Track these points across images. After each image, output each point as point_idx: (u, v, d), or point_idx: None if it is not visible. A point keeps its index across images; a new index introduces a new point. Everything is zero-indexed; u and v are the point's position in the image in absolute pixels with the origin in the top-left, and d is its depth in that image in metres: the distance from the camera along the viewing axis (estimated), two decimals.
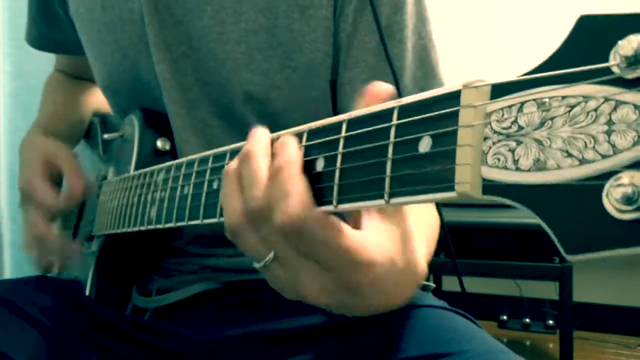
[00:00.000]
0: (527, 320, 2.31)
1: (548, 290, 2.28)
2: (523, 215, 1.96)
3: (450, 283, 2.23)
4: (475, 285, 2.42)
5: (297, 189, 0.34)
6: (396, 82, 0.60)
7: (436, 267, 1.99)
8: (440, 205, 0.60)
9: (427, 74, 0.64)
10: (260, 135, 0.38)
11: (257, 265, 0.38)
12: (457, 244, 2.08)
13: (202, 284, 0.68)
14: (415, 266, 0.37)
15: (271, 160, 0.37)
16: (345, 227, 0.34)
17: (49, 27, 0.85)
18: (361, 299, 0.36)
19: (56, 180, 0.78)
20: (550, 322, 2.28)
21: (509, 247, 2.02)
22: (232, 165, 0.39)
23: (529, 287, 2.38)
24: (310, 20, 0.62)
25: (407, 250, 0.37)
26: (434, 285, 0.75)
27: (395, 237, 0.36)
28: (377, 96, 0.34)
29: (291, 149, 0.35)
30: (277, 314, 0.63)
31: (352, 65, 0.63)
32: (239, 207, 0.37)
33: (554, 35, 0.23)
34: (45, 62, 0.99)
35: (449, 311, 0.63)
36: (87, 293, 0.70)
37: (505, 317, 2.37)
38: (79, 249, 0.76)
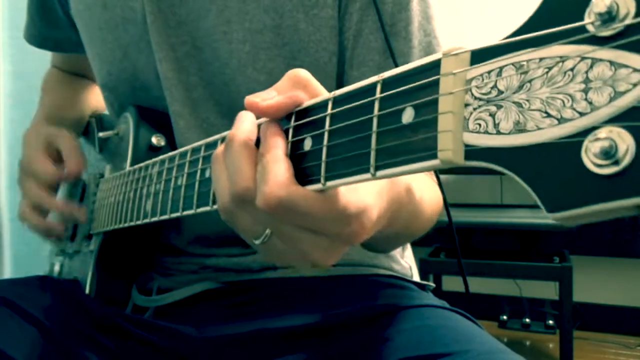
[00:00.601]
0: (527, 320, 2.31)
1: (548, 290, 2.28)
2: (523, 215, 1.97)
3: (450, 283, 2.22)
4: (476, 285, 2.42)
5: (278, 171, 0.35)
6: None
7: (436, 267, 1.99)
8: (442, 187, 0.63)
9: None
10: (244, 120, 0.39)
11: (257, 242, 0.40)
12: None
13: (203, 283, 0.68)
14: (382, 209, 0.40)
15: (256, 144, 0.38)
16: (327, 194, 0.35)
17: (48, 25, 0.86)
18: (357, 241, 0.39)
19: (56, 160, 0.78)
20: (550, 322, 2.27)
21: (509, 247, 2.02)
22: (219, 150, 0.40)
23: (529, 287, 2.37)
24: (315, 19, 0.62)
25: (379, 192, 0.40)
26: (433, 285, 0.75)
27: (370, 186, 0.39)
28: None
29: (275, 133, 0.37)
30: (277, 313, 0.63)
31: (358, 64, 0.63)
32: (227, 191, 0.39)
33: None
34: (46, 61, 1.00)
35: (449, 311, 0.62)
36: (86, 292, 0.70)
37: (505, 317, 2.37)
38: (85, 211, 0.76)
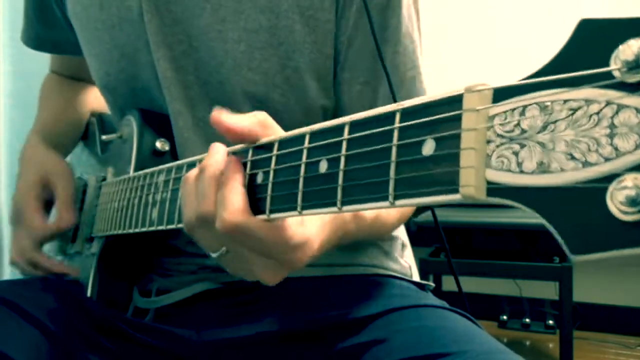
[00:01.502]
0: (527, 320, 2.31)
1: (548, 290, 2.29)
2: (523, 215, 1.97)
3: (450, 283, 2.23)
4: (475, 285, 2.43)
5: (235, 200, 0.41)
6: (389, 83, 0.62)
7: (436, 267, 1.99)
8: None
9: (416, 76, 0.67)
10: (216, 151, 0.45)
11: (214, 255, 0.45)
12: (457, 244, 2.08)
13: (202, 284, 0.68)
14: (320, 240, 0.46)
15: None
16: (276, 224, 0.41)
17: (45, 27, 0.85)
18: (299, 267, 0.44)
19: (49, 200, 0.80)
20: (550, 322, 2.28)
21: (509, 247, 2.03)
22: (191, 174, 0.46)
23: (529, 287, 2.38)
24: (311, 21, 0.62)
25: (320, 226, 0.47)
26: (433, 285, 0.75)
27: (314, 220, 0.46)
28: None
29: (236, 167, 0.43)
30: (276, 313, 0.63)
31: (350, 67, 0.64)
32: (193, 211, 0.44)
33: (555, 39, 0.23)
34: (46, 62, 0.99)
35: (449, 311, 0.63)
36: (88, 294, 0.70)
37: (505, 317, 2.38)
38: (76, 270, 0.77)
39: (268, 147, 0.42)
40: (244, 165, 0.44)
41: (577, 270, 1.88)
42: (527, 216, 1.99)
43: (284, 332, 0.61)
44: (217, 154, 0.45)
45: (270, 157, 0.41)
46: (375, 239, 0.71)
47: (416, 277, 0.77)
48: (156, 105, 0.70)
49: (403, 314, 0.60)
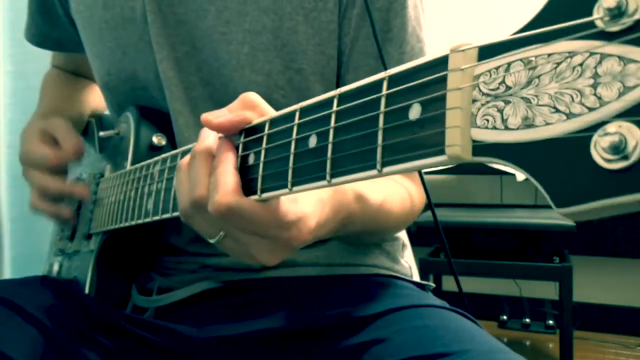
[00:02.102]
0: (527, 320, 2.31)
1: (548, 290, 2.28)
2: (523, 215, 1.97)
3: (450, 283, 2.22)
4: (476, 285, 2.42)
5: (227, 181, 0.41)
6: None
7: (436, 267, 1.99)
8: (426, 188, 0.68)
9: None
10: (206, 136, 0.46)
11: (212, 241, 0.45)
12: (457, 244, 2.08)
13: (203, 283, 0.68)
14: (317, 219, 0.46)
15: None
16: (269, 203, 0.41)
17: (48, 24, 0.85)
18: (297, 245, 0.45)
19: (53, 146, 0.77)
20: (550, 322, 2.28)
21: (509, 247, 2.03)
22: (184, 161, 0.46)
23: (529, 287, 2.38)
24: (315, 23, 0.63)
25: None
26: (433, 285, 0.75)
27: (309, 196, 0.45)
28: None
29: (227, 148, 0.43)
30: (277, 312, 0.63)
31: (353, 68, 0.65)
32: (187, 197, 0.44)
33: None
34: (46, 61, 0.99)
35: (450, 311, 0.62)
36: (86, 292, 0.70)
37: (505, 317, 2.37)
38: (86, 188, 0.76)
39: (260, 127, 0.42)
40: (237, 147, 0.44)
41: (577, 270, 1.87)
42: (527, 216, 2.00)
43: (284, 330, 0.61)
44: (208, 139, 0.45)
45: (262, 137, 0.41)
46: (382, 233, 0.70)
47: (416, 277, 0.76)
48: (156, 105, 0.70)
49: (404, 314, 0.59)
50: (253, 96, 0.45)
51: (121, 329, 0.64)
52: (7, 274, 1.32)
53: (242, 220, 0.41)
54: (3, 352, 0.56)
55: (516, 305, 2.39)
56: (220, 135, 0.45)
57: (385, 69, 0.61)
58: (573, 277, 1.82)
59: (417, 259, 1.76)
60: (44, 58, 0.98)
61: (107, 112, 0.91)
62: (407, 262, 0.76)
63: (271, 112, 0.43)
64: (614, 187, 0.20)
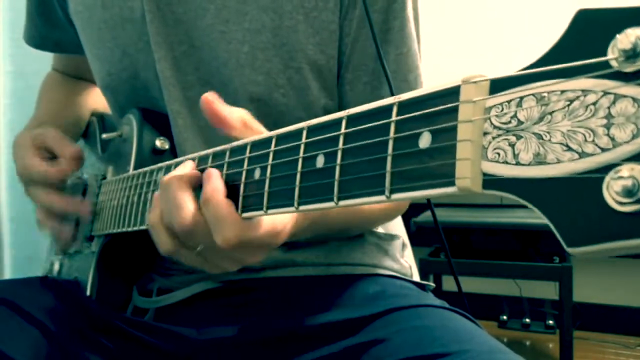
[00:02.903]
0: (527, 320, 2.31)
1: (548, 290, 2.28)
2: (523, 215, 1.97)
3: (450, 283, 2.23)
4: (475, 285, 2.42)
5: (229, 212, 0.42)
6: (388, 83, 0.63)
7: (436, 267, 1.99)
8: None
9: (417, 78, 0.67)
10: (184, 165, 0.48)
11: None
12: (457, 244, 2.08)
13: (203, 283, 0.68)
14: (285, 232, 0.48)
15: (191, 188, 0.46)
16: (256, 220, 0.43)
17: (47, 26, 0.85)
18: (275, 246, 0.47)
19: (50, 158, 0.76)
20: (550, 322, 2.28)
21: (509, 247, 2.03)
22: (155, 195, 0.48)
23: (529, 287, 2.38)
24: (315, 22, 0.63)
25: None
26: (433, 285, 0.75)
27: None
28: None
29: (215, 179, 0.44)
30: (276, 312, 0.63)
31: (353, 68, 0.65)
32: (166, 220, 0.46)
33: (552, 30, 0.23)
34: (46, 62, 0.99)
35: (449, 311, 0.62)
36: (87, 293, 0.70)
37: (505, 317, 2.38)
38: (87, 205, 0.75)
39: (266, 142, 0.42)
40: (241, 161, 0.44)
41: (577, 270, 1.87)
42: (527, 216, 2.00)
43: (284, 331, 0.61)
44: (185, 167, 0.48)
45: (268, 153, 0.41)
46: (355, 229, 0.70)
47: (416, 277, 0.77)
48: (157, 105, 0.70)
49: (403, 314, 0.60)
50: (251, 118, 0.47)
51: (122, 331, 0.64)
52: (7, 274, 1.32)
53: (247, 244, 0.43)
54: (4, 352, 0.57)
55: (516, 305, 2.40)
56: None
57: (385, 70, 0.62)
58: (573, 277, 1.83)
59: (417, 259, 1.76)
60: (44, 58, 0.98)
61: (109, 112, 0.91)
62: (407, 262, 0.76)
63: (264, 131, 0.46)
64: (626, 229, 0.20)
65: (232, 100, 0.65)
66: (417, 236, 1.61)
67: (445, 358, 0.51)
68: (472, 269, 1.95)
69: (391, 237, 0.75)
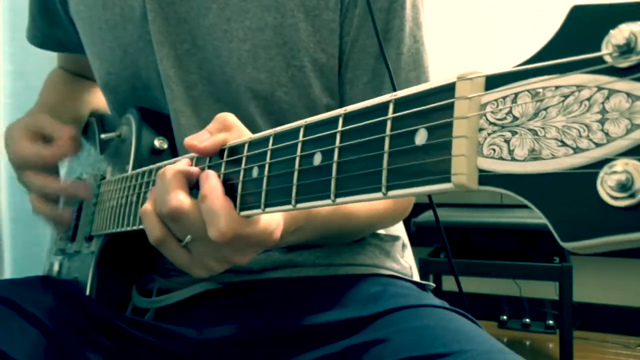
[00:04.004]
0: (527, 320, 2.31)
1: (548, 290, 2.28)
2: (523, 215, 1.97)
3: (450, 283, 2.23)
4: (475, 285, 2.42)
5: (227, 206, 0.42)
6: (392, 83, 0.62)
7: (436, 267, 1.99)
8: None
9: (420, 76, 0.68)
10: (181, 161, 0.49)
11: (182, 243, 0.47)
12: (457, 244, 2.08)
13: (203, 284, 0.68)
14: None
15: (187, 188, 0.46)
16: (255, 218, 0.44)
17: (49, 25, 0.85)
18: (269, 247, 0.48)
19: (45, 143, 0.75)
20: (550, 322, 2.28)
21: (509, 247, 2.02)
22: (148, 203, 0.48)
23: (529, 287, 2.38)
24: (316, 21, 0.63)
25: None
26: (433, 285, 0.75)
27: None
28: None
29: (213, 178, 0.44)
30: (277, 313, 0.63)
31: (353, 67, 0.65)
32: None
33: (547, 26, 0.23)
34: (46, 61, 0.99)
35: (449, 311, 0.62)
36: (87, 293, 0.70)
37: (505, 317, 2.38)
38: (87, 186, 0.74)
39: (263, 141, 0.42)
40: (239, 160, 0.44)
41: (577, 270, 1.87)
42: (527, 216, 2.00)
43: (284, 331, 0.61)
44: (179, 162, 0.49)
45: (266, 152, 0.41)
46: (349, 235, 0.70)
47: (416, 277, 0.77)
48: (157, 105, 0.70)
49: (404, 314, 0.59)
50: (230, 118, 0.47)
51: (122, 331, 0.64)
52: (7, 274, 1.32)
53: (241, 240, 0.43)
54: (4, 352, 0.57)
55: (516, 305, 2.40)
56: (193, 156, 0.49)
57: (388, 68, 0.62)
58: (573, 277, 1.83)
59: (417, 259, 1.76)
60: (44, 58, 0.98)
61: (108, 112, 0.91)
62: (407, 262, 0.76)
63: (247, 134, 0.46)
64: (620, 224, 0.20)
65: (235, 99, 0.65)
66: (417, 236, 1.61)
67: (446, 358, 0.51)
68: (472, 269, 1.95)
69: (392, 239, 0.75)
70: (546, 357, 2.17)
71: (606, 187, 0.21)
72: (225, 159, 0.46)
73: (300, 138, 0.38)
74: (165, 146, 0.70)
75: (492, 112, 0.25)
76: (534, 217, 1.94)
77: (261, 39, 0.63)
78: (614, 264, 2.38)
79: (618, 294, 2.38)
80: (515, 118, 0.24)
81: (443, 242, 0.74)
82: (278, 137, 0.41)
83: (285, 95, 0.65)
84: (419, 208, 0.77)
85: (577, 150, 0.22)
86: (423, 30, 0.68)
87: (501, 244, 2.04)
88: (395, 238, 0.76)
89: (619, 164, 0.20)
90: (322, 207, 0.57)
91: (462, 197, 2.52)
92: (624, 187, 0.20)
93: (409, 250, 0.81)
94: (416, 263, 0.87)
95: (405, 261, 0.76)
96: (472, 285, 2.39)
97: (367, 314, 0.60)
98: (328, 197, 0.34)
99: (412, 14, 0.66)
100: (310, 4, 0.63)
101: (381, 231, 0.76)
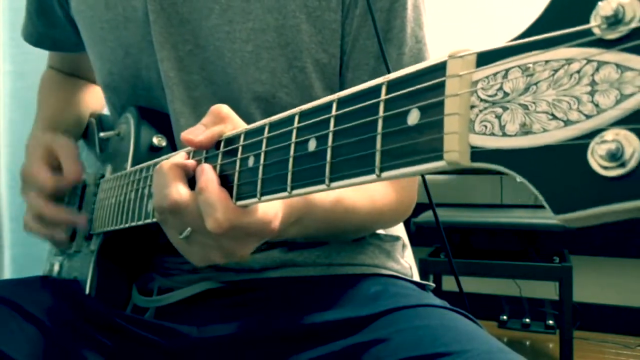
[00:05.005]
0: (527, 320, 2.31)
1: (548, 290, 2.28)
2: (523, 215, 1.97)
3: (450, 283, 2.22)
4: (475, 285, 2.42)
5: (223, 197, 0.43)
6: None
7: (436, 267, 1.99)
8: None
9: None
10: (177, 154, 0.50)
11: (180, 237, 0.47)
12: (457, 244, 2.08)
13: (203, 283, 0.68)
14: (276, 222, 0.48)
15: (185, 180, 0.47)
16: (249, 207, 0.44)
17: (45, 24, 0.85)
18: (268, 238, 0.48)
19: (56, 168, 0.77)
20: (550, 322, 2.28)
21: (509, 247, 2.03)
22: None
23: (529, 287, 2.38)
24: (318, 21, 0.63)
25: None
26: (433, 285, 0.75)
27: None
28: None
29: (208, 171, 0.45)
30: (278, 312, 0.63)
31: (354, 67, 0.66)
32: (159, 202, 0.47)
33: (540, 2, 0.23)
34: (46, 61, 0.99)
35: (450, 310, 0.62)
36: (86, 292, 0.70)
37: (505, 317, 2.38)
38: (84, 218, 0.75)
39: (259, 130, 0.42)
40: (234, 150, 0.44)
41: (577, 270, 1.87)
42: (527, 216, 2.00)
43: (284, 330, 0.61)
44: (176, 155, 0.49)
45: (261, 140, 0.41)
46: (351, 232, 0.70)
47: (416, 277, 0.76)
48: (158, 105, 0.70)
49: (404, 314, 0.59)
50: (225, 109, 0.47)
51: (121, 329, 0.64)
52: (7, 274, 1.32)
53: (239, 230, 0.44)
54: (4, 352, 0.57)
55: (516, 305, 2.40)
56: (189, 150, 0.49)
57: (388, 68, 0.62)
58: (573, 277, 1.83)
59: (417, 259, 1.76)
60: (44, 58, 0.98)
61: (105, 111, 0.91)
62: (407, 262, 0.76)
63: (242, 125, 0.46)
64: (611, 194, 0.20)
65: (236, 100, 0.65)
66: (417, 236, 1.61)
67: (446, 358, 0.51)
68: (472, 269, 1.94)
69: (392, 239, 0.75)
70: (546, 357, 2.17)
71: (597, 157, 0.21)
72: (221, 150, 0.46)
73: (295, 125, 0.38)
74: (164, 143, 0.70)
75: (483, 88, 0.25)
76: (534, 217, 1.94)
77: (263, 40, 0.63)
78: (614, 264, 2.38)
79: (618, 294, 2.38)
80: (506, 94, 0.24)
81: (443, 242, 0.74)
82: (274, 125, 0.41)
83: (287, 96, 0.65)
84: (419, 208, 0.77)
85: (567, 122, 0.22)
86: (425, 31, 0.68)
87: (501, 244, 2.04)
88: (396, 238, 0.76)
89: (609, 134, 0.20)
90: (323, 200, 0.56)
91: (462, 197, 2.52)
92: (614, 156, 0.20)
93: (409, 250, 0.81)
94: (416, 263, 0.87)
95: (405, 261, 0.76)
96: (472, 285, 2.39)
97: (367, 314, 0.59)
98: (323, 182, 0.34)
99: (414, 14, 0.66)
100: (312, 5, 0.63)
101: (381, 231, 0.76)
